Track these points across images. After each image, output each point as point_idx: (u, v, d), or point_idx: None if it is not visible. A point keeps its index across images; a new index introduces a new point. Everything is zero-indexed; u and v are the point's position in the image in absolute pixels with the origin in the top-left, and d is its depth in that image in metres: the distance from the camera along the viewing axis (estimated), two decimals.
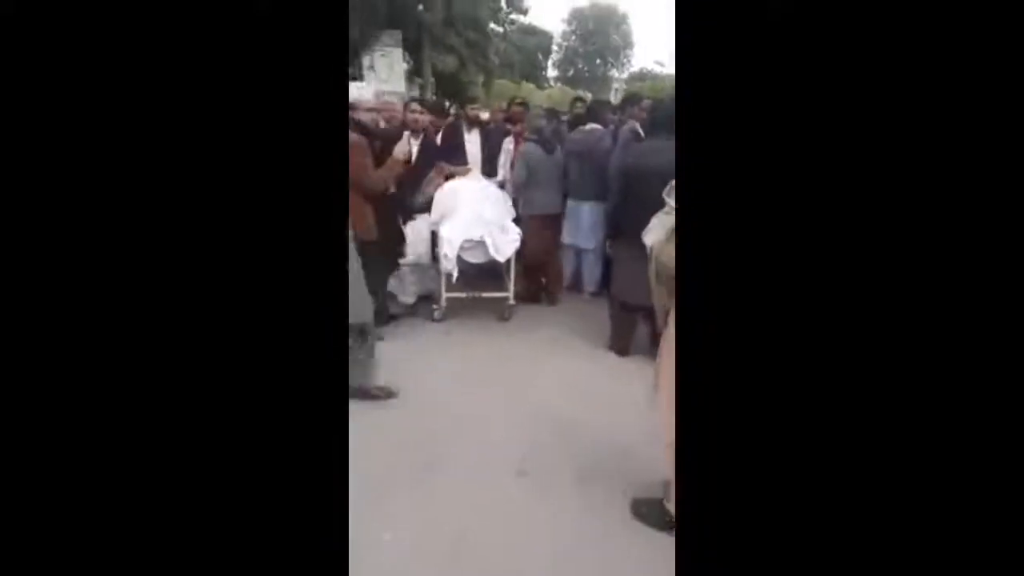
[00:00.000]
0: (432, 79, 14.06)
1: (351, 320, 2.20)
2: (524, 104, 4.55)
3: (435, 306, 3.36)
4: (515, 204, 3.68)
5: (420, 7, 13.27)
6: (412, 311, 3.46)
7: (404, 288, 3.44)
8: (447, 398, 2.52)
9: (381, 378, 2.50)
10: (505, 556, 1.66)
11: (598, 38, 32.20)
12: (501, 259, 3.17)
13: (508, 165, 3.88)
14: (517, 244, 3.20)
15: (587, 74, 32.02)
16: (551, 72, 31.67)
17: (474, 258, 3.18)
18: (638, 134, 3.24)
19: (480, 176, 3.88)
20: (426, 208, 3.29)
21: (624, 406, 2.43)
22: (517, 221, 3.50)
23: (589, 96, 4.62)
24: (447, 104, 4.75)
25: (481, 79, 16.52)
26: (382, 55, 11.93)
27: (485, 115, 4.05)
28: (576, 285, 3.97)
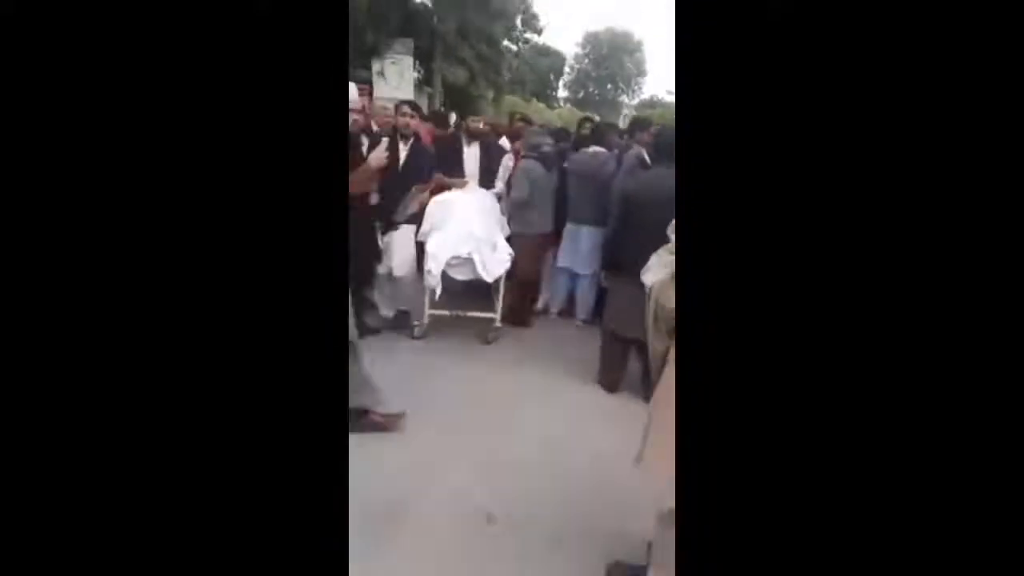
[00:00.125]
0: (441, 90, 14.04)
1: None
2: (526, 120, 4.42)
3: (416, 323, 3.16)
4: (508, 221, 3.51)
5: (434, 18, 13.30)
6: (392, 324, 3.26)
7: (383, 300, 3.24)
8: (414, 430, 2.32)
9: (383, 401, 2.25)
10: None
11: (611, 63, 32.46)
12: (489, 279, 2.99)
13: (505, 180, 3.71)
14: (507, 264, 3.02)
15: (597, 97, 32.21)
16: (562, 92, 31.83)
17: (460, 275, 2.99)
18: (644, 160, 3.10)
19: (476, 187, 3.72)
20: (414, 220, 3.09)
21: (609, 452, 2.23)
22: (510, 239, 3.33)
23: (598, 118, 4.49)
24: (451, 115, 4.61)
25: (491, 94, 16.54)
26: (392, 62, 11.91)
27: (481, 126, 3.88)
28: (568, 311, 3.79)
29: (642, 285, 1.61)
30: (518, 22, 17.20)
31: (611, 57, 32.37)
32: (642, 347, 2.64)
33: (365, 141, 2.95)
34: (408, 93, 11.38)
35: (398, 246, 3.08)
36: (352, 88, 2.76)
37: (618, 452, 2.20)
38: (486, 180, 3.96)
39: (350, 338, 2.11)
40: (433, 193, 3.19)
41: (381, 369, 2.35)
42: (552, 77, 29.14)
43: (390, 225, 3.04)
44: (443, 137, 4.00)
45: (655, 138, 2.79)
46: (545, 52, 26.95)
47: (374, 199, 2.83)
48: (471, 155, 3.95)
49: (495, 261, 2.96)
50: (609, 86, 33.09)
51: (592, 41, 32.85)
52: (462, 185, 3.71)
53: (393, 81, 11.71)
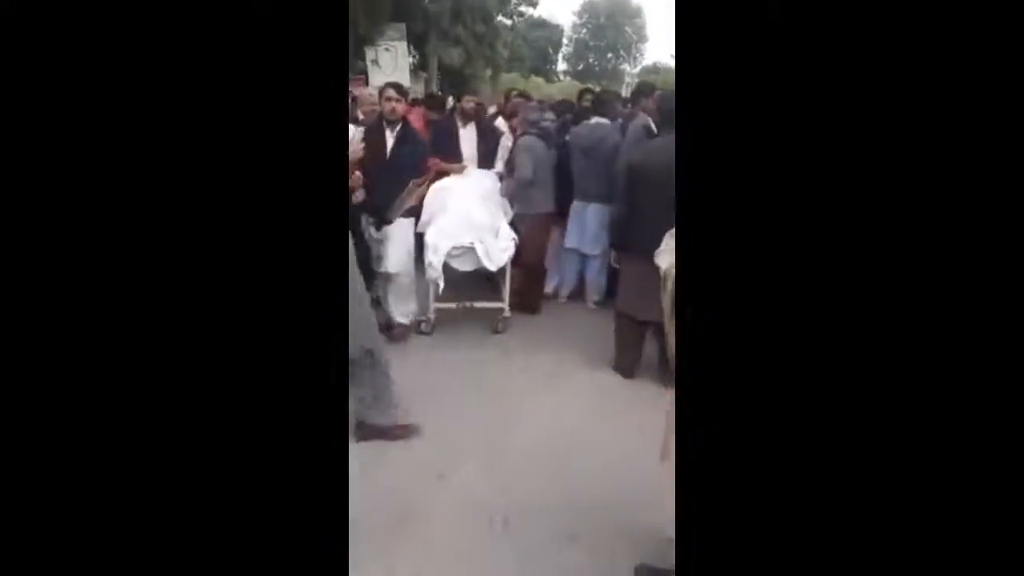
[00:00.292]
0: (438, 73, 13.77)
1: (357, 343, 1.88)
2: (525, 96, 4.22)
3: (422, 318, 3.04)
4: (511, 203, 3.34)
5: None
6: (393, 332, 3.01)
7: (388, 304, 2.95)
8: (426, 428, 2.21)
9: (400, 413, 2.15)
10: None
11: (610, 32, 31.63)
12: (493, 268, 2.84)
13: (505, 161, 3.54)
14: (511, 251, 2.86)
15: (598, 68, 31.48)
16: (561, 66, 31.17)
17: (463, 266, 2.85)
18: (649, 129, 2.91)
19: (475, 171, 3.56)
20: (412, 212, 2.88)
21: (628, 443, 2.11)
22: (513, 222, 3.18)
23: (598, 88, 4.29)
24: (447, 97, 4.41)
25: (488, 73, 16.22)
26: (386, 49, 11.67)
27: (474, 104, 3.70)
28: (579, 294, 3.64)
29: (654, 259, 1.48)
30: None
31: (610, 25, 31.55)
32: (658, 329, 2.50)
33: (352, 131, 2.78)
34: (404, 79, 11.16)
35: (393, 242, 2.82)
36: None
37: (638, 443, 2.08)
38: (484, 162, 3.80)
39: (370, 346, 2.00)
40: (431, 183, 2.96)
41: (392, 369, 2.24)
42: (550, 51, 28.54)
43: (383, 221, 2.76)
44: (437, 121, 3.83)
45: (660, 104, 2.60)
46: (541, 25, 26.38)
47: (358, 196, 2.52)
48: (467, 137, 3.78)
49: (498, 248, 2.82)
50: (610, 55, 32.30)
51: (589, 10, 32.00)
52: (460, 170, 3.56)
53: (388, 68, 11.48)
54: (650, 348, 2.70)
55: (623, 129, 3.25)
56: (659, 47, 54.17)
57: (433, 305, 3.02)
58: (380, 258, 2.80)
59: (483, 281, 3.34)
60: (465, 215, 2.82)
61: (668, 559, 1.47)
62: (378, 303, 2.95)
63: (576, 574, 1.58)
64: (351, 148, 2.24)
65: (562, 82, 26.36)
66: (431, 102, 3.89)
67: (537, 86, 19.40)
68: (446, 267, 2.81)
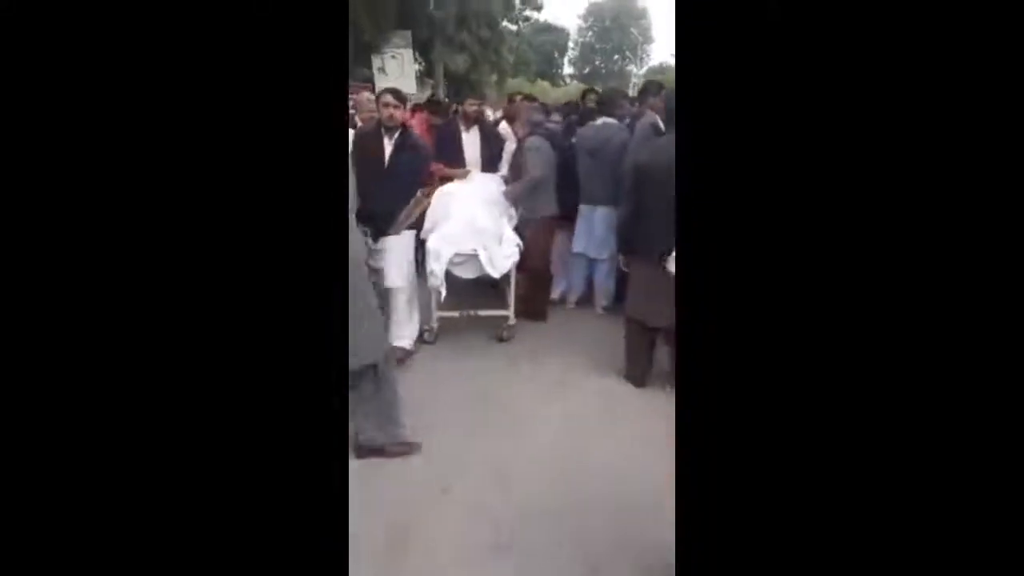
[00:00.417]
0: (443, 79, 13.77)
1: (363, 360, 1.80)
2: (529, 98, 4.13)
3: (425, 327, 2.95)
4: (515, 206, 3.24)
5: (431, 6, 12.99)
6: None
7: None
8: (429, 442, 2.12)
9: (402, 431, 2.06)
10: None
11: (616, 34, 31.56)
12: (496, 275, 2.75)
13: (509, 166, 3.46)
14: (515, 258, 2.77)
15: (604, 70, 31.39)
16: (567, 70, 31.15)
17: (465, 273, 2.76)
18: (657, 127, 2.81)
19: (479, 175, 3.48)
20: (413, 224, 2.74)
21: (641, 456, 2.00)
22: (518, 227, 3.09)
23: (601, 89, 4.19)
24: (449, 101, 4.33)
25: (494, 78, 16.22)
26: (392, 57, 11.70)
27: (473, 108, 3.62)
28: (587, 300, 3.54)
29: (665, 266, 1.39)
30: (516, 0, 16.76)
31: (615, 27, 31.48)
32: (670, 335, 2.40)
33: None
34: (410, 86, 11.16)
35: (392, 255, 2.63)
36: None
37: (649, 455, 1.98)
38: (488, 166, 3.72)
39: (378, 362, 1.92)
40: (434, 190, 2.80)
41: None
42: (556, 55, 28.52)
43: (379, 232, 2.56)
44: (440, 126, 3.75)
45: (667, 102, 2.50)
46: (547, 29, 26.38)
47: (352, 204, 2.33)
48: (471, 141, 3.70)
49: (502, 255, 2.72)
50: (616, 57, 32.23)
51: (595, 12, 31.97)
52: (464, 175, 3.48)
53: (394, 75, 11.50)
54: (661, 355, 2.59)
55: (631, 128, 3.15)
56: (665, 48, 53.95)
57: (436, 314, 2.94)
58: (377, 272, 2.64)
59: (487, 288, 3.24)
60: (468, 221, 2.74)
61: None
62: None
63: None
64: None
65: (568, 86, 26.30)
66: (433, 107, 3.81)
67: (544, 90, 19.36)
68: (448, 275, 2.72)
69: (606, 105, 3.34)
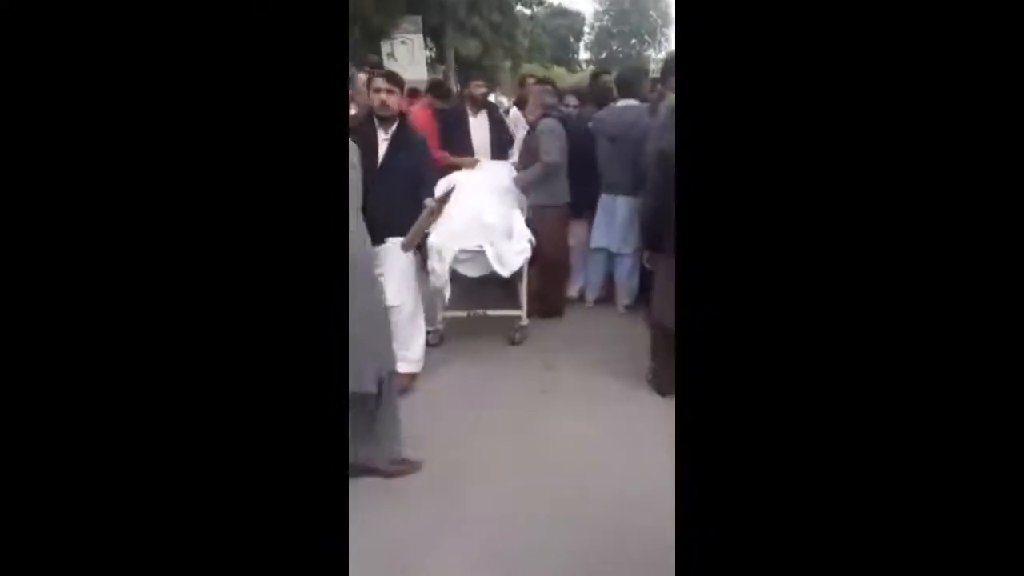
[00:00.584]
0: (455, 65, 13.49)
1: (362, 387, 1.60)
2: (542, 82, 3.85)
3: (430, 328, 2.72)
4: (526, 193, 2.98)
5: None
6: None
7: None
8: (432, 457, 1.90)
9: (404, 448, 1.88)
10: None
11: (633, 17, 30.79)
12: (505, 273, 2.50)
13: (520, 154, 3.19)
14: (527, 254, 2.52)
15: (621, 55, 30.66)
16: (583, 55, 30.48)
17: (471, 272, 2.52)
18: None
19: (488, 163, 3.23)
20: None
21: (667, 477, 1.75)
22: (530, 220, 2.83)
23: (613, 73, 3.87)
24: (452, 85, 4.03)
25: (508, 64, 15.87)
26: (402, 42, 11.45)
27: (481, 90, 3.35)
28: (607, 297, 3.28)
29: None
30: None
31: (633, 11, 30.71)
32: None
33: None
34: (421, 73, 10.93)
35: (391, 266, 2.18)
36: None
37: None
38: (498, 153, 3.47)
39: (382, 381, 1.72)
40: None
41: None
42: (571, 39, 27.95)
43: (376, 239, 2.03)
44: (445, 111, 3.49)
45: None
46: (561, 13, 25.85)
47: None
48: (479, 126, 3.45)
49: (511, 252, 2.47)
50: (633, 41, 31.47)
51: None
52: (472, 164, 3.23)
53: (404, 62, 11.27)
54: None
55: (652, 111, 2.87)
56: None
57: (441, 314, 2.71)
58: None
59: (498, 285, 3.00)
60: (475, 215, 2.48)
61: None
62: None
63: None
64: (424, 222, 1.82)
65: (584, 72, 25.76)
66: (436, 90, 3.54)
67: (559, 76, 18.95)
68: (455, 273, 2.48)
69: (627, 86, 3.05)
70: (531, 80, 4.13)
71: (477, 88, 3.35)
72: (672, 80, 3.00)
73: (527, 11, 17.25)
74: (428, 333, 2.62)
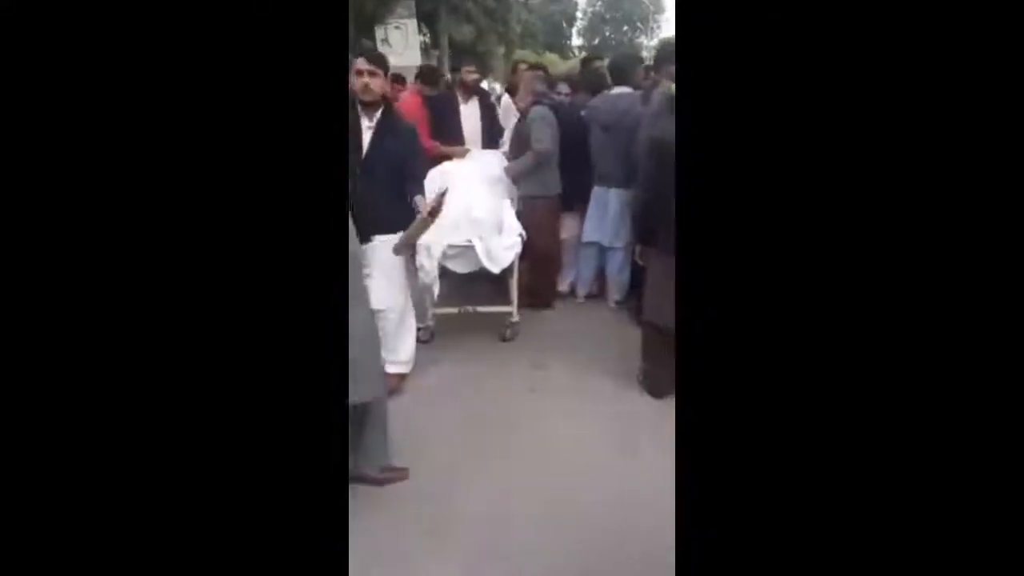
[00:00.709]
0: (449, 51, 13.29)
1: (356, 398, 1.53)
2: (534, 68, 3.76)
3: (420, 325, 2.65)
4: (515, 183, 2.90)
5: None
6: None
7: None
8: (422, 462, 1.84)
9: (392, 457, 1.82)
10: None
11: (626, 3, 30.43)
12: (495, 269, 2.43)
13: (510, 143, 3.11)
14: (518, 249, 2.44)
15: (614, 42, 30.33)
16: (576, 41, 30.14)
17: (460, 267, 2.44)
18: (673, 99, 2.45)
19: (479, 153, 3.14)
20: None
21: (663, 484, 1.71)
22: (520, 212, 2.76)
23: (606, 60, 3.78)
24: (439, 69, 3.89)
25: (502, 50, 15.67)
26: (396, 27, 11.24)
27: (472, 76, 3.25)
28: (599, 292, 3.22)
29: None
30: None
31: None
32: None
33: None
34: (415, 58, 10.75)
35: (379, 267, 2.03)
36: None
37: (670, 480, 1.69)
38: (489, 141, 3.38)
39: (373, 398, 1.66)
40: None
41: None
42: (564, 25, 27.63)
43: (364, 237, 1.90)
44: (434, 97, 3.39)
45: None
46: None
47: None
48: (470, 113, 3.35)
49: (502, 246, 2.40)
50: (625, 28, 31.13)
51: None
52: (462, 154, 3.14)
53: (398, 47, 11.06)
54: None
55: (645, 99, 2.79)
56: None
57: (431, 311, 2.64)
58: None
59: (488, 281, 2.93)
60: (464, 208, 2.41)
61: None
62: None
63: None
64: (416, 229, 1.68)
65: (577, 58, 25.49)
66: (426, 76, 3.43)
67: (552, 62, 18.74)
68: (442, 269, 2.41)
69: (620, 72, 2.97)
70: (523, 66, 4.03)
71: (469, 74, 3.25)
72: (666, 67, 2.92)
73: None
74: (419, 330, 2.53)
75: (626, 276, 3.01)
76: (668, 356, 2.23)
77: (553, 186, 2.88)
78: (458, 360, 2.55)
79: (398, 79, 3.52)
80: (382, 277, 2.06)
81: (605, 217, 2.90)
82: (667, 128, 2.01)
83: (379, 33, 10.96)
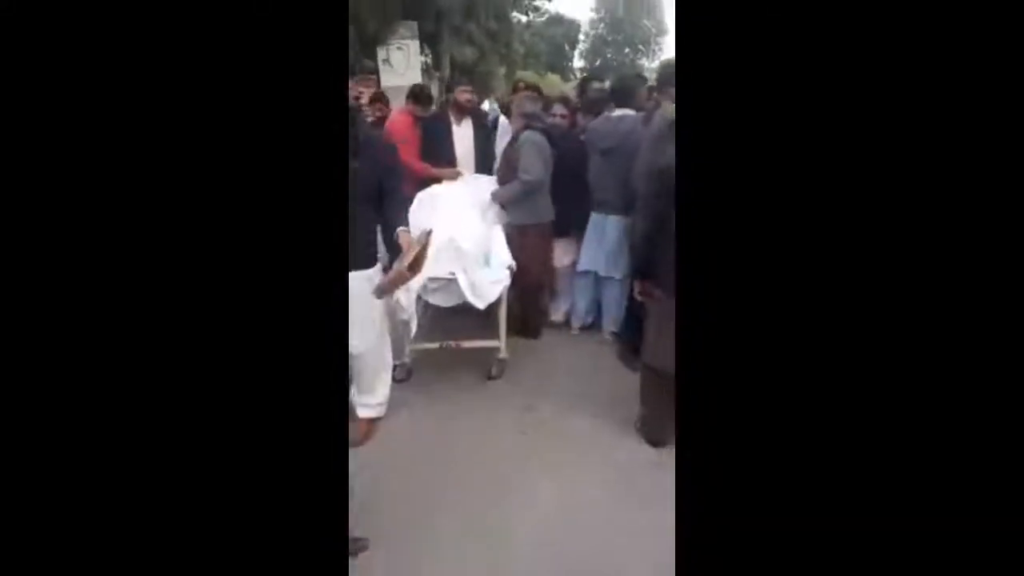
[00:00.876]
0: (450, 72, 13.31)
1: None
2: (532, 88, 3.60)
3: (396, 362, 2.43)
4: (504, 210, 2.72)
5: None
6: None
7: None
8: (392, 520, 1.62)
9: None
10: None
11: (628, 25, 30.76)
12: (480, 305, 2.22)
13: (499, 167, 2.93)
14: (506, 283, 2.25)
15: (616, 64, 30.59)
16: (578, 63, 30.37)
17: (443, 301, 2.25)
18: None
19: (471, 178, 2.97)
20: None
21: (663, 546, 1.49)
22: (509, 239, 2.57)
23: (606, 82, 3.64)
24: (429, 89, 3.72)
25: (503, 71, 15.72)
26: (398, 48, 11.26)
27: (466, 96, 3.09)
28: (594, 324, 3.02)
29: None
30: None
31: (628, 19, 30.69)
32: None
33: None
34: (415, 78, 10.74)
35: (356, 306, 1.73)
36: None
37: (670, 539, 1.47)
38: (483, 165, 3.20)
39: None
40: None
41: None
42: (567, 47, 27.88)
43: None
44: (426, 118, 3.23)
45: None
46: (558, 21, 25.79)
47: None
48: (463, 135, 3.18)
49: (487, 280, 2.20)
50: (627, 50, 31.42)
51: (607, 3, 31.18)
52: (453, 177, 2.97)
53: (400, 67, 11.07)
54: None
55: (647, 120, 2.62)
56: None
57: (409, 347, 2.43)
58: None
59: (473, 313, 2.73)
60: (448, 238, 2.21)
61: None
62: None
63: None
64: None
65: (577, 80, 25.66)
66: (416, 97, 3.27)
67: (553, 83, 18.81)
68: (423, 304, 2.21)
69: (623, 93, 2.81)
70: (522, 86, 3.89)
71: (462, 94, 3.09)
72: (669, 88, 2.76)
73: (523, 18, 17.16)
74: (395, 368, 2.29)
75: (622, 309, 2.80)
76: (669, 403, 2.02)
77: (545, 213, 2.70)
78: (438, 401, 2.33)
79: (379, 98, 3.35)
80: (356, 318, 1.83)
81: (602, 245, 2.71)
82: (670, 152, 1.84)
83: (381, 54, 10.97)
